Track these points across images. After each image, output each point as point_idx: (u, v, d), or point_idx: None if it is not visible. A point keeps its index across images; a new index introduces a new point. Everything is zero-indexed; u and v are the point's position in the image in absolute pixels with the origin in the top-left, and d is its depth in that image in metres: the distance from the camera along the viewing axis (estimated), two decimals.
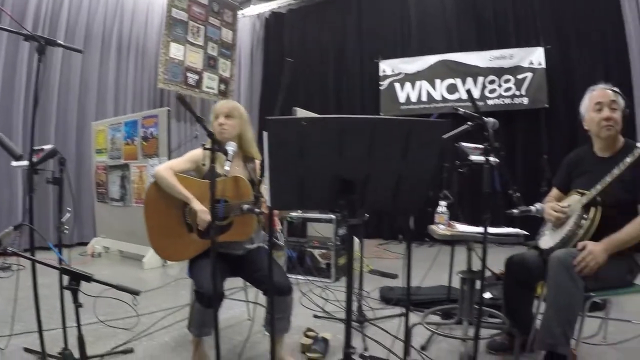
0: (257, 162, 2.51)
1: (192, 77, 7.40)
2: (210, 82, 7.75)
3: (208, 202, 2.23)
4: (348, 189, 1.65)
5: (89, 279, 1.42)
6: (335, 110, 7.88)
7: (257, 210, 2.10)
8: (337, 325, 3.02)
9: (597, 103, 2.28)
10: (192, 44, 7.42)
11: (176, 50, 7.18)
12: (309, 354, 2.55)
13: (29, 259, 1.71)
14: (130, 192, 5.19)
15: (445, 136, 1.91)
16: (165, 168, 2.36)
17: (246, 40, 8.77)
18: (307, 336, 2.67)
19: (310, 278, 4.29)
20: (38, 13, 5.68)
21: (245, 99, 8.67)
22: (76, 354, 2.37)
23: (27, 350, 2.54)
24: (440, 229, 2.55)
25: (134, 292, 1.52)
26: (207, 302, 2.07)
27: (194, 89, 7.43)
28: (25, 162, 2.15)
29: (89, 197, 6.00)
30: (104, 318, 3.00)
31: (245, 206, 2.15)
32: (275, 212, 2.29)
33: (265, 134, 1.52)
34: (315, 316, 3.27)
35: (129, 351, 2.57)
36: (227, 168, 1.99)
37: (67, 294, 1.52)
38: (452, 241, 2.95)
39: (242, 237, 2.34)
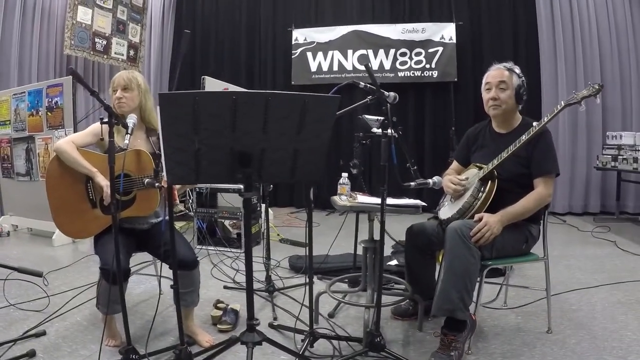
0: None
1: (100, 43, 7.00)
2: (119, 48, 7.36)
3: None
4: (244, 163, 1.70)
5: None
6: (246, 79, 7.80)
7: (157, 184, 2.10)
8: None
9: (487, 83, 2.44)
10: (101, 7, 6.98)
11: (83, 14, 6.73)
12: (219, 326, 2.59)
13: None
14: (37, 165, 4.93)
15: (339, 113, 1.98)
16: (67, 142, 2.28)
17: (157, 5, 8.37)
18: (217, 308, 2.71)
19: (221, 249, 4.31)
20: None
21: (156, 66, 8.34)
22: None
23: None
24: (341, 199, 2.62)
25: (37, 274, 1.47)
26: (112, 278, 2.05)
27: (102, 55, 7.05)
28: None
29: None
30: (14, 301, 2.91)
31: (147, 180, 2.14)
32: (176, 185, 2.29)
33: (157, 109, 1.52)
34: (226, 287, 3.31)
35: (41, 334, 2.50)
36: (126, 142, 1.94)
37: None
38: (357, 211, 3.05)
39: (146, 211, 2.32)
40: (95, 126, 2.38)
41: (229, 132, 1.62)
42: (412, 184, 2.32)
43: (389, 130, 2.17)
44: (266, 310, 2.87)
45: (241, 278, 3.50)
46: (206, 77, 4.93)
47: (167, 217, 2.14)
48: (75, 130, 4.48)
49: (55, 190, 2.32)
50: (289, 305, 2.92)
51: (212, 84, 4.96)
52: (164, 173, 1.67)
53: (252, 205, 2.85)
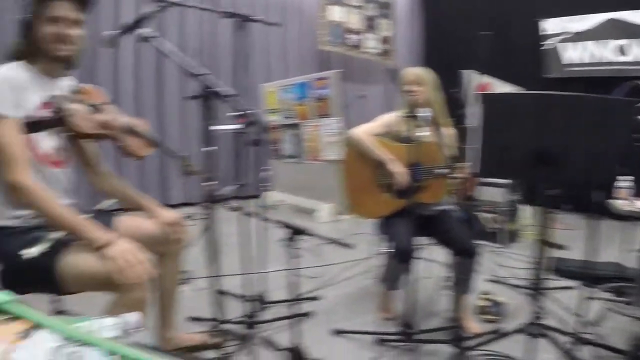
0: (449, 129, 2.61)
1: (352, 39, 7.58)
2: (371, 43, 7.86)
3: (405, 164, 2.42)
4: (546, 162, 1.74)
5: (304, 232, 1.64)
6: (496, 72, 7.54)
7: (451, 175, 2.25)
8: (510, 292, 3.05)
9: None
10: (351, 6, 7.58)
11: (335, 13, 7.40)
12: (484, 316, 2.63)
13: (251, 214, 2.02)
14: (304, 149, 5.57)
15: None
16: (361, 131, 2.54)
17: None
18: (483, 299, 2.72)
19: (481, 242, 4.30)
20: None
21: (407, 60, 8.61)
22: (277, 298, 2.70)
23: (220, 292, 2.94)
24: (621, 204, 2.45)
25: (347, 246, 1.69)
26: (403, 257, 2.23)
27: (355, 49, 7.63)
28: (230, 126, 2.43)
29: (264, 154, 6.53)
30: (287, 266, 3.32)
31: (441, 170, 2.31)
32: (473, 178, 2.41)
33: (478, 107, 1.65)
34: (489, 280, 3.30)
35: (318, 298, 2.84)
36: (421, 134, 2.12)
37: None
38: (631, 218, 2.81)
39: (433, 199, 2.47)
40: (387, 117, 2.62)
41: (536, 131, 1.68)
42: None
43: None
44: (528, 307, 2.83)
45: (503, 273, 3.46)
46: (465, 71, 4.95)
47: (451, 206, 2.26)
48: (345, 120, 5.00)
49: (350, 173, 2.61)
50: (552, 306, 2.82)
51: (472, 78, 4.92)
52: (463, 164, 1.79)
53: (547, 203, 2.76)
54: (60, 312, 1.78)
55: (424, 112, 2.24)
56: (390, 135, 2.60)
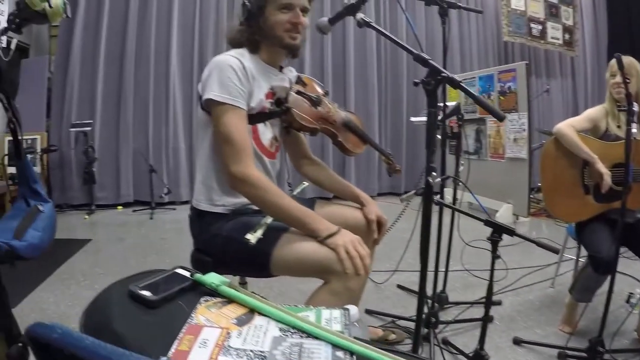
0: None
1: (535, 28, 7.15)
2: (554, 32, 7.34)
3: (608, 164, 2.23)
4: None
5: (512, 232, 1.45)
6: None
7: None
8: None
9: None
10: None
11: (517, 1, 7.03)
12: None
13: (453, 208, 1.93)
14: (486, 146, 5.38)
15: None
16: (567, 125, 2.32)
17: None
18: None
19: None
20: None
21: (592, 50, 7.92)
22: (454, 298, 2.64)
23: (400, 287, 2.92)
24: None
25: (554, 251, 1.51)
26: (603, 268, 2.00)
27: (538, 40, 7.18)
28: (423, 118, 2.43)
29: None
30: (469, 266, 3.17)
31: None
32: None
33: None
34: None
35: (497, 303, 2.66)
36: (635, 130, 1.90)
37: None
38: None
39: (636, 205, 2.20)
40: (592, 111, 2.41)
41: None
42: None
43: None
44: None
45: None
46: None
47: None
48: (530, 115, 4.77)
49: (549, 170, 2.41)
50: None
51: None
52: None
53: None
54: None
55: (634, 107, 2.03)
56: (595, 131, 2.40)
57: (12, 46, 1.36)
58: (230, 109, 1.46)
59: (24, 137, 5.11)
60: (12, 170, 3.97)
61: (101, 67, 5.58)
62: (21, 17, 1.25)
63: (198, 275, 0.83)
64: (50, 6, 1.21)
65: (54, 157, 5.44)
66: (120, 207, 5.57)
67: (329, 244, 1.35)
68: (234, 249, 1.46)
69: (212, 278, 0.80)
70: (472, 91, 1.26)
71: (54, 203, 5.29)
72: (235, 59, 1.51)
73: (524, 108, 4.77)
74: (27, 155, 5.17)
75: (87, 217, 5.02)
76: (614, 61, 2.31)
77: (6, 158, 3.79)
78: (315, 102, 1.71)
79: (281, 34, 1.55)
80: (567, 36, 7.46)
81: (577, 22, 7.66)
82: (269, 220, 1.50)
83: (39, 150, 5.24)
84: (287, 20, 1.53)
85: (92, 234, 4.29)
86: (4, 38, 1.31)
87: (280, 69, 1.73)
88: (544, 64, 7.60)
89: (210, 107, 1.49)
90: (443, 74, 1.21)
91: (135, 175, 5.69)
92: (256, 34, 1.58)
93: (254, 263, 1.47)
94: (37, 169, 5.22)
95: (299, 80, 1.76)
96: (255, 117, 1.57)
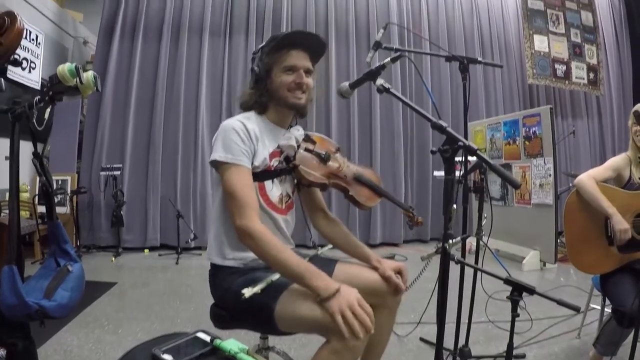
0: None
1: (560, 69, 7.14)
2: (579, 72, 7.31)
3: (631, 214, 2.21)
4: None
5: (532, 291, 1.40)
6: None
7: None
8: None
9: None
10: (554, 33, 7.19)
11: (540, 42, 7.06)
12: None
13: (474, 267, 1.87)
14: (512, 192, 5.32)
15: None
16: (588, 177, 2.32)
17: (606, 21, 7.92)
18: None
19: None
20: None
21: (617, 88, 7.86)
22: (477, 352, 2.56)
23: (422, 340, 2.85)
24: None
25: (575, 309, 1.44)
26: (627, 321, 1.95)
27: (563, 80, 7.15)
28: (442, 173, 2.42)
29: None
30: (493, 318, 3.12)
31: None
32: None
33: None
34: None
35: (521, 356, 2.58)
36: None
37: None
38: None
39: None
40: (615, 159, 2.39)
41: None
42: None
43: None
44: None
45: None
46: None
47: None
48: (555, 159, 4.72)
49: (573, 222, 2.38)
50: None
51: None
52: None
53: None
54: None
55: None
56: (618, 180, 2.38)
57: (46, 116, 1.44)
58: (234, 167, 1.54)
59: (55, 177, 5.25)
60: (42, 209, 4.08)
61: (132, 113, 5.79)
62: (55, 91, 1.34)
63: (218, 341, 0.85)
64: (81, 82, 1.30)
65: (83, 199, 5.59)
66: (147, 251, 5.64)
67: (326, 308, 1.33)
68: (242, 305, 1.46)
69: (231, 345, 0.83)
70: (487, 158, 1.29)
71: (81, 244, 5.38)
72: (239, 122, 1.60)
73: (549, 153, 4.73)
74: (58, 195, 5.38)
75: (114, 259, 5.11)
76: (636, 108, 2.31)
77: (36, 198, 3.91)
78: (324, 158, 1.78)
79: (286, 94, 1.65)
80: (591, 75, 7.41)
81: (602, 61, 7.61)
82: (275, 276, 1.52)
83: (69, 191, 5.43)
84: (292, 81, 1.64)
85: (117, 277, 4.35)
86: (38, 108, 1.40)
87: (289, 128, 1.79)
88: (570, 104, 7.57)
89: (217, 167, 1.58)
90: (460, 143, 1.25)
91: (163, 220, 5.79)
92: (263, 96, 1.69)
93: (260, 318, 1.49)
94: (67, 209, 5.42)
95: (308, 139, 1.82)
96: (261, 175, 1.64)
